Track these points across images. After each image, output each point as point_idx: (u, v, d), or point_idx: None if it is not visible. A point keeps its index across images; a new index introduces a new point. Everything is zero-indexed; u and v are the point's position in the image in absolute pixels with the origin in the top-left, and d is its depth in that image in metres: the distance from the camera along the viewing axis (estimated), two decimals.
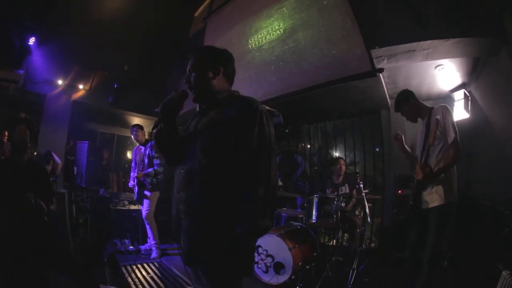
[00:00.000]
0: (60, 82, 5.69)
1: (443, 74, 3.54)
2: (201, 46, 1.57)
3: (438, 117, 2.26)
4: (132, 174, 4.44)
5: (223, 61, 1.48)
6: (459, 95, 3.68)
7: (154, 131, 1.43)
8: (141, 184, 4.19)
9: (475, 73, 3.52)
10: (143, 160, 4.23)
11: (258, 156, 1.26)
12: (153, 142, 4.37)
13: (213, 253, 1.24)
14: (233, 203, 1.24)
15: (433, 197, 2.24)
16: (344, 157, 5.02)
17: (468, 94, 3.59)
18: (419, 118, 2.56)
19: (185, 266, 1.41)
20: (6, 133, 4.41)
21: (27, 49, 5.22)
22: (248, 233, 1.21)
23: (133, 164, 4.52)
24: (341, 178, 4.28)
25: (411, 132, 4.24)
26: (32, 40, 5.16)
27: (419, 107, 2.53)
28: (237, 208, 1.23)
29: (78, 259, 2.76)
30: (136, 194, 4.30)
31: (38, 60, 5.42)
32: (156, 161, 4.14)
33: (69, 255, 2.70)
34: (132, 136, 4.48)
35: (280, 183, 4.58)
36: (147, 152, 4.23)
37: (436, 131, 2.23)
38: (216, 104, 1.41)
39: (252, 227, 1.21)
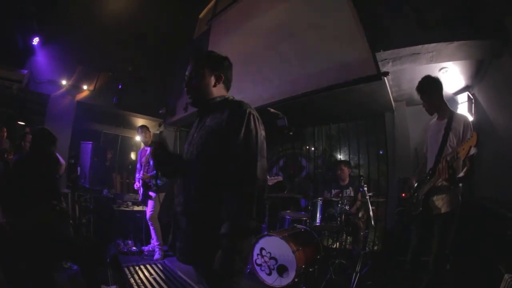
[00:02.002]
0: (64, 82, 5.69)
1: (447, 77, 3.53)
2: (202, 51, 1.60)
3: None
4: (137, 175, 4.46)
5: (223, 68, 1.50)
6: (463, 97, 3.68)
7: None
8: (146, 185, 4.20)
9: (479, 76, 3.53)
10: (149, 162, 4.25)
11: (244, 158, 1.27)
12: None
13: (205, 252, 1.28)
14: (223, 205, 1.27)
15: (440, 203, 2.24)
16: (348, 160, 5.01)
17: (472, 97, 3.59)
18: (435, 116, 2.42)
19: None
20: (5, 129, 4.44)
21: (31, 49, 5.22)
22: (229, 233, 1.21)
23: (138, 166, 4.53)
24: (346, 181, 4.29)
25: (414, 135, 4.27)
26: (36, 40, 5.17)
27: (444, 104, 2.38)
28: (223, 209, 1.25)
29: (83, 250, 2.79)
30: (141, 195, 4.32)
31: (42, 60, 5.42)
32: None
33: (75, 246, 2.73)
34: (140, 137, 4.49)
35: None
36: None
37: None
38: (211, 110, 1.44)
39: (234, 227, 1.21)
